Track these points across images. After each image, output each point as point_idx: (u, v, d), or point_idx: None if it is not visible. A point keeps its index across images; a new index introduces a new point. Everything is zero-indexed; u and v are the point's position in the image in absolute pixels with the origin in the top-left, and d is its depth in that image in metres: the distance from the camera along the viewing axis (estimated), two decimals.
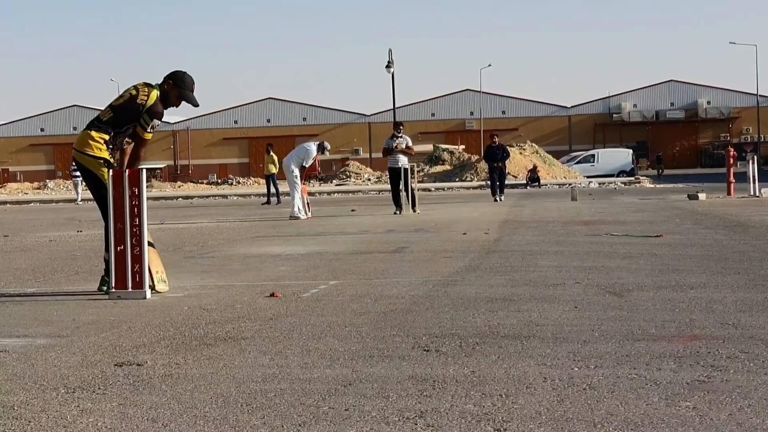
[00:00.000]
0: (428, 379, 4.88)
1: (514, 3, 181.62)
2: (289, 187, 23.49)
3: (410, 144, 24.65)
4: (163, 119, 9.21)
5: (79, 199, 47.70)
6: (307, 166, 23.30)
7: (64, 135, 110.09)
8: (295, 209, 22.51)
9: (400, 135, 24.44)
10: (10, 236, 18.38)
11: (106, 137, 8.95)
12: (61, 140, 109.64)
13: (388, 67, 60.83)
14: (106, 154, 8.93)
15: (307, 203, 23.21)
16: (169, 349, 5.96)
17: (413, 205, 24.11)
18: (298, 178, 22.87)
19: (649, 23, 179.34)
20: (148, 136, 9.08)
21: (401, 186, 24.18)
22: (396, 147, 24.23)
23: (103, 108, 9.19)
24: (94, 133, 8.95)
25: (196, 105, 9.25)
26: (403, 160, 24.28)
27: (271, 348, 5.88)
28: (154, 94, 9.01)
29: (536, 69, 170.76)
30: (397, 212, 23.76)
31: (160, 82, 9.15)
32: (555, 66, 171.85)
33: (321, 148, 23.20)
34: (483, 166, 60.41)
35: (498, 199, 32.00)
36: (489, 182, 34.82)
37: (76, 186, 49.47)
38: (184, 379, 5.03)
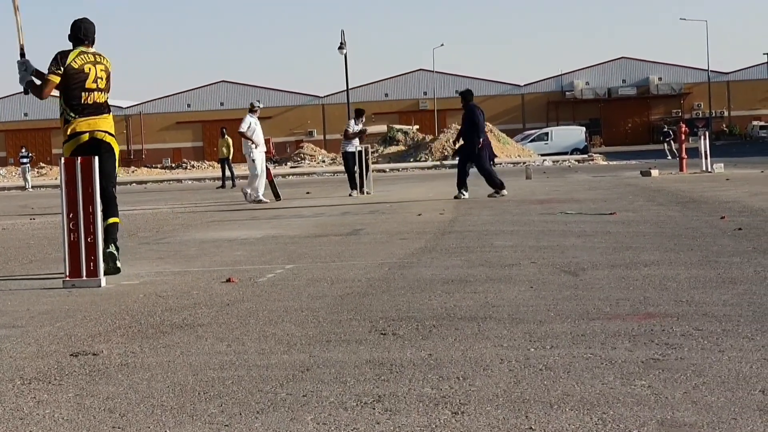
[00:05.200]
0: (385, 363, 4.89)
1: None
2: (249, 170, 23.34)
3: (365, 131, 25.37)
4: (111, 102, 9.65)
5: (29, 186, 47.25)
6: (252, 136, 22.85)
7: (14, 121, 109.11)
8: (255, 192, 22.45)
9: (362, 121, 25.02)
10: None
11: None
12: (11, 126, 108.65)
13: (340, 48, 60.75)
14: None
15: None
16: (125, 337, 5.93)
17: (363, 186, 24.32)
18: (257, 161, 22.76)
19: (600, 0, 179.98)
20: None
21: (356, 168, 24.38)
22: (358, 132, 24.66)
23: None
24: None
25: None
26: (356, 143, 24.66)
27: (228, 335, 5.87)
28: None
29: (489, 48, 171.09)
30: (352, 194, 23.84)
31: (88, 45, 9.54)
32: (507, 45, 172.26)
33: (250, 108, 23.35)
34: (438, 146, 60.44)
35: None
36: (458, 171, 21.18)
37: (24, 173, 48.94)
38: (140, 368, 5.01)
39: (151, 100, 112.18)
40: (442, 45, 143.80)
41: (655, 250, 9.31)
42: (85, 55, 9.35)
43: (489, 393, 4.24)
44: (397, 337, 5.57)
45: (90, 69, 9.32)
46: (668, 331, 5.40)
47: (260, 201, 22.27)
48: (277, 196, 23.17)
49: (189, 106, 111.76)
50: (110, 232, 9.29)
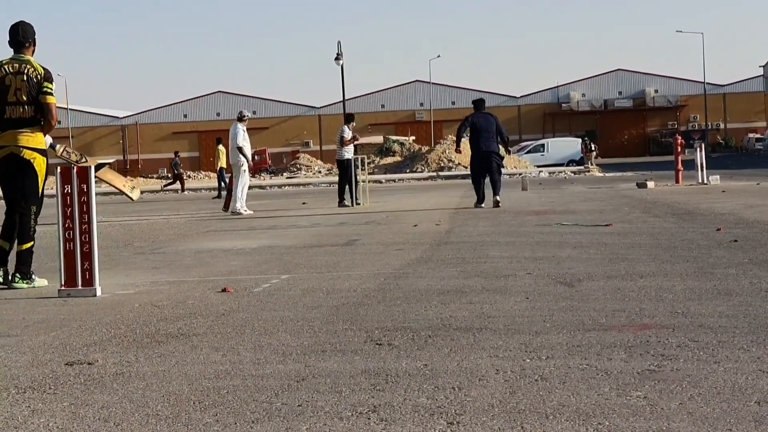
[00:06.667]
0: (381, 373, 4.88)
1: None
2: (234, 180, 23.08)
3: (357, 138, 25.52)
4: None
5: None
6: (245, 146, 22.64)
7: None
8: (238, 204, 22.15)
9: (353, 126, 25.00)
10: None
11: None
12: None
13: (337, 59, 60.81)
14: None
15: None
16: (120, 347, 5.92)
17: (357, 197, 24.25)
18: (247, 172, 22.61)
19: (597, 12, 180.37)
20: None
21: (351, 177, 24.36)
22: (352, 138, 24.61)
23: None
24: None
25: None
26: (352, 150, 24.65)
27: (224, 344, 5.86)
28: (34, 61, 9.21)
29: (485, 59, 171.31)
30: (348, 204, 23.82)
31: (22, 51, 9.24)
32: (504, 56, 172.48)
33: (240, 117, 22.99)
34: (434, 157, 60.47)
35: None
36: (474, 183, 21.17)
37: None
38: (135, 378, 5.00)
39: (148, 110, 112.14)
40: (439, 56, 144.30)
41: (650, 262, 9.31)
42: (9, 65, 9.09)
43: (484, 403, 4.24)
44: (392, 348, 5.56)
45: (11, 81, 9.03)
46: (664, 343, 5.40)
47: (240, 213, 21.89)
48: (227, 207, 23.59)
49: (185, 116, 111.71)
50: (21, 260, 9.17)
